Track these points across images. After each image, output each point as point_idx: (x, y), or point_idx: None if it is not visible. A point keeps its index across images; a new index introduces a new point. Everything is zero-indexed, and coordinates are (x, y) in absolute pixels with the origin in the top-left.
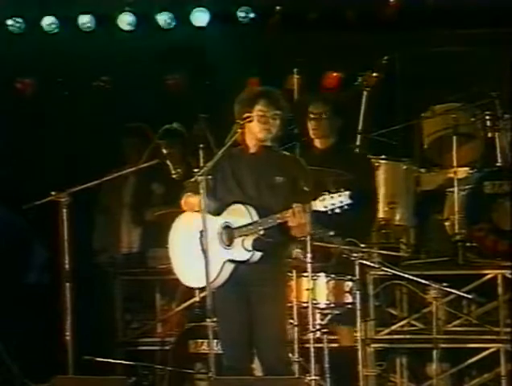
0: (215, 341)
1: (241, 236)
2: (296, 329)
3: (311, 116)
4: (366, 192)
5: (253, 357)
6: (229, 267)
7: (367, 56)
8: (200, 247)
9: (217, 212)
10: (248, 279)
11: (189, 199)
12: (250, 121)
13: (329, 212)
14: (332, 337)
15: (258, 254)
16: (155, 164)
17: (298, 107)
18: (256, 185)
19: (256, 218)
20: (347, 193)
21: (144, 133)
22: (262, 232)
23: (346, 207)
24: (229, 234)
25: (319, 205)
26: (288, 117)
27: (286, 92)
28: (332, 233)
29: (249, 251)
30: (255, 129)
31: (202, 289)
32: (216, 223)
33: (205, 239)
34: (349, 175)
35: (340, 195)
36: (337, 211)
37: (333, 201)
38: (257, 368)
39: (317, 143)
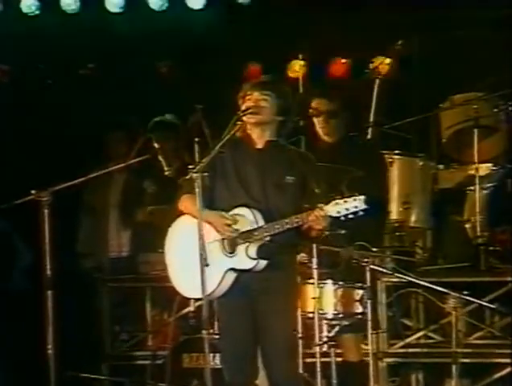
0: (212, 354)
1: (244, 243)
2: (301, 341)
3: (315, 112)
4: (378, 190)
5: (257, 372)
6: (231, 276)
7: (379, 40)
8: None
9: None
10: (253, 287)
11: (187, 202)
12: (251, 113)
13: (342, 218)
14: (340, 350)
15: (264, 262)
16: (146, 160)
17: (301, 100)
18: (261, 184)
19: (262, 222)
20: (362, 198)
21: (133, 125)
22: (268, 239)
23: (361, 212)
24: (232, 240)
25: (331, 210)
26: (288, 105)
27: (290, 80)
28: (343, 232)
29: (254, 259)
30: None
31: (198, 299)
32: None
33: (201, 243)
34: (360, 172)
35: (354, 200)
36: (351, 216)
37: (347, 206)
38: (261, 385)
39: (324, 137)
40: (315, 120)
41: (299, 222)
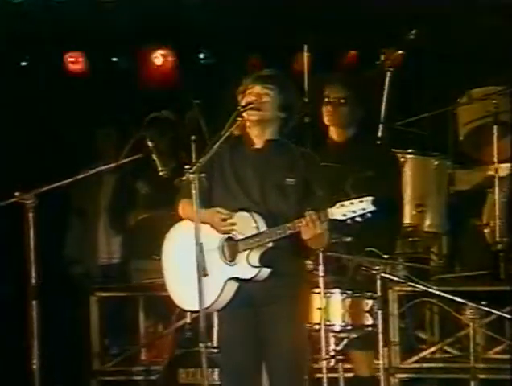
0: (210, 370)
1: (246, 250)
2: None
3: (327, 100)
4: (390, 193)
5: None
6: (233, 286)
7: (391, 30)
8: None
9: None
10: (256, 297)
11: (187, 207)
12: (252, 109)
13: (349, 221)
14: (349, 365)
15: (267, 271)
16: (139, 159)
17: (310, 89)
18: (261, 186)
19: (263, 228)
20: (369, 199)
21: (125, 122)
22: (270, 245)
23: (368, 215)
24: (232, 247)
25: (336, 213)
26: (291, 101)
27: (295, 74)
28: (348, 239)
29: (256, 267)
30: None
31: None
32: (216, 234)
33: (198, 250)
34: (369, 173)
35: (361, 201)
36: (358, 219)
37: (353, 208)
38: None
39: (333, 134)
40: (323, 110)
41: (302, 227)
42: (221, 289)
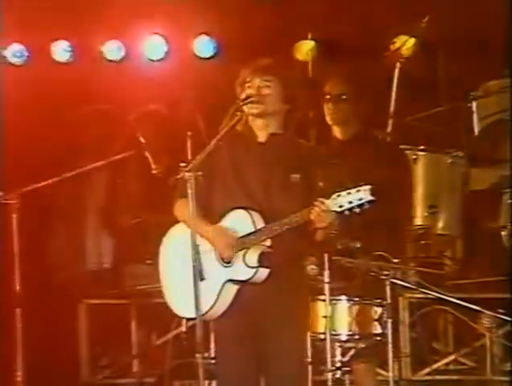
0: (207, 382)
1: (242, 249)
2: (310, 367)
3: (327, 97)
4: (399, 193)
5: None
6: (232, 289)
7: (401, 18)
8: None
9: (215, 221)
10: (254, 304)
11: (183, 209)
12: (252, 102)
13: (346, 212)
14: (354, 377)
15: (265, 272)
16: (131, 156)
17: (311, 86)
18: (264, 183)
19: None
20: (367, 188)
21: (114, 116)
22: (268, 243)
23: (366, 205)
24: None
25: (333, 204)
26: (294, 92)
27: (297, 64)
28: (358, 245)
29: (253, 267)
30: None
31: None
32: None
33: (194, 253)
34: (375, 173)
35: (358, 191)
36: (356, 210)
37: (350, 198)
38: None
39: (336, 132)
40: (324, 108)
41: (300, 221)
42: (218, 293)
